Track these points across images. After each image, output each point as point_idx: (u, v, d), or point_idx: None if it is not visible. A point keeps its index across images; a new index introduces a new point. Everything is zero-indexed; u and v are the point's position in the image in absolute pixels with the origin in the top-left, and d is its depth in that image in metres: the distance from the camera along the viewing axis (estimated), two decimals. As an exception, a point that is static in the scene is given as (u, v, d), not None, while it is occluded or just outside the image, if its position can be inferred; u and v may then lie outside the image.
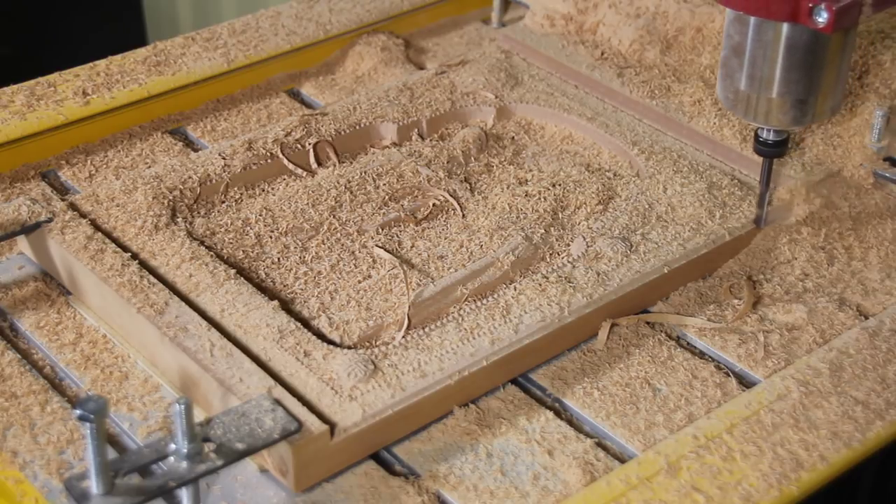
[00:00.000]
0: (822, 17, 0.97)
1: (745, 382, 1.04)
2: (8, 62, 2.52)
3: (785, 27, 1.02)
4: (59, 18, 2.62)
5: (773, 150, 1.12)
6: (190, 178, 1.19)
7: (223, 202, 1.20)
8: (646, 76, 1.36)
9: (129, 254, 1.09)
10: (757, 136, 1.11)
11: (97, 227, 1.13)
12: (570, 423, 1.00)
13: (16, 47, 2.58)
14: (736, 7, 1.02)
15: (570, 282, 1.07)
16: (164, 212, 1.15)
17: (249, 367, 0.97)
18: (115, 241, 1.12)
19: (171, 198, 1.16)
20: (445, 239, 1.16)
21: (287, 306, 1.07)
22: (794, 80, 1.04)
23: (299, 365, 0.98)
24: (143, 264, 1.09)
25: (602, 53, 1.40)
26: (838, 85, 1.06)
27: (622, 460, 0.96)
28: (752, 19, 1.03)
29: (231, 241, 1.15)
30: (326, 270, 1.12)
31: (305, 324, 1.05)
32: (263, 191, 1.22)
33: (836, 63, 1.04)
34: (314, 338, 1.01)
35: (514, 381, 1.04)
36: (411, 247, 1.15)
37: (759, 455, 0.94)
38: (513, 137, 1.33)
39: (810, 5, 0.97)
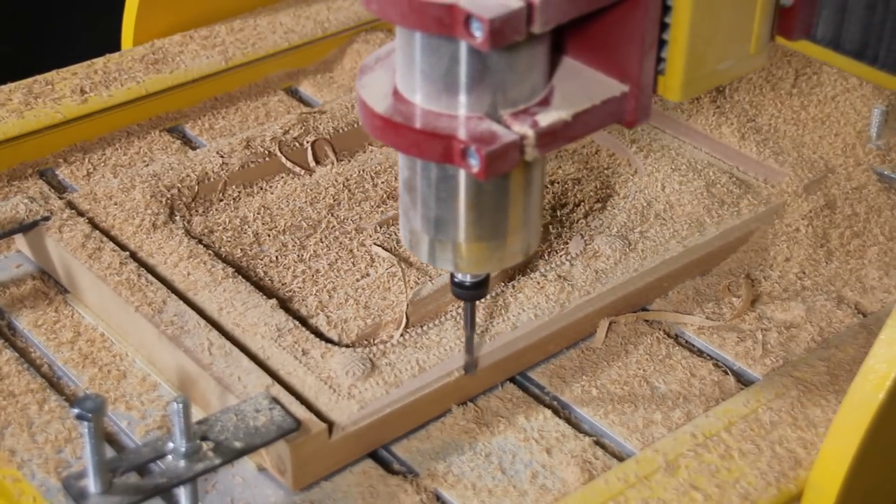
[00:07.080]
0: (475, 161, 0.78)
1: (744, 380, 1.04)
2: (5, 60, 2.51)
3: (453, 166, 0.82)
4: (57, 16, 2.62)
5: (472, 293, 0.94)
6: (188, 176, 1.19)
7: (221, 200, 1.20)
8: (644, 74, 1.35)
9: (127, 252, 1.09)
10: (452, 278, 0.93)
11: (95, 225, 1.13)
12: (569, 421, 1.00)
13: (14, 45, 2.57)
14: (386, 142, 0.83)
15: (568, 280, 1.07)
16: (161, 210, 1.15)
17: (247, 366, 0.97)
18: (112, 239, 1.12)
19: (168, 196, 1.16)
20: (443, 237, 1.16)
21: (285, 305, 1.07)
22: (471, 223, 0.85)
23: (297, 363, 0.98)
24: (141, 263, 1.09)
25: (600, 51, 1.40)
26: (528, 224, 0.88)
27: (620, 458, 0.96)
28: None
29: (229, 239, 1.15)
30: (325, 269, 1.12)
31: (303, 322, 1.04)
32: (262, 189, 1.22)
33: (519, 202, 0.86)
34: (312, 336, 1.01)
35: (512, 380, 1.04)
36: (409, 245, 1.15)
37: (758, 453, 0.94)
38: (511, 135, 1.32)
39: (461, 147, 0.79)
